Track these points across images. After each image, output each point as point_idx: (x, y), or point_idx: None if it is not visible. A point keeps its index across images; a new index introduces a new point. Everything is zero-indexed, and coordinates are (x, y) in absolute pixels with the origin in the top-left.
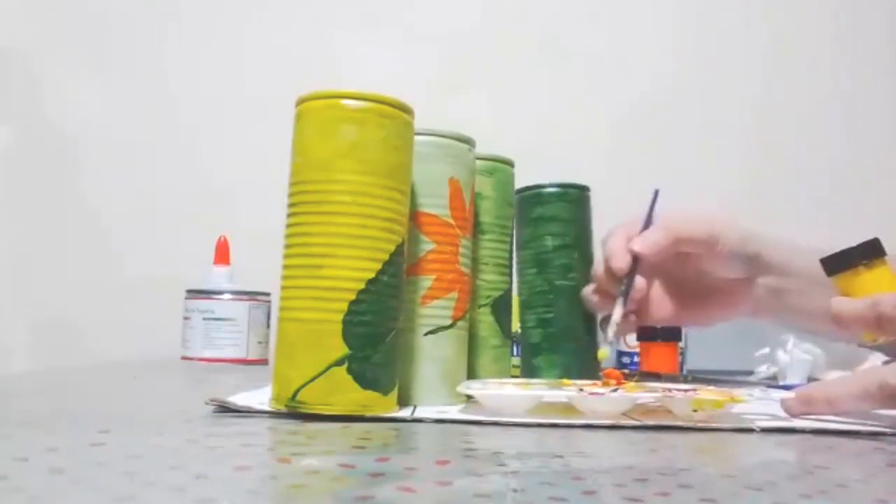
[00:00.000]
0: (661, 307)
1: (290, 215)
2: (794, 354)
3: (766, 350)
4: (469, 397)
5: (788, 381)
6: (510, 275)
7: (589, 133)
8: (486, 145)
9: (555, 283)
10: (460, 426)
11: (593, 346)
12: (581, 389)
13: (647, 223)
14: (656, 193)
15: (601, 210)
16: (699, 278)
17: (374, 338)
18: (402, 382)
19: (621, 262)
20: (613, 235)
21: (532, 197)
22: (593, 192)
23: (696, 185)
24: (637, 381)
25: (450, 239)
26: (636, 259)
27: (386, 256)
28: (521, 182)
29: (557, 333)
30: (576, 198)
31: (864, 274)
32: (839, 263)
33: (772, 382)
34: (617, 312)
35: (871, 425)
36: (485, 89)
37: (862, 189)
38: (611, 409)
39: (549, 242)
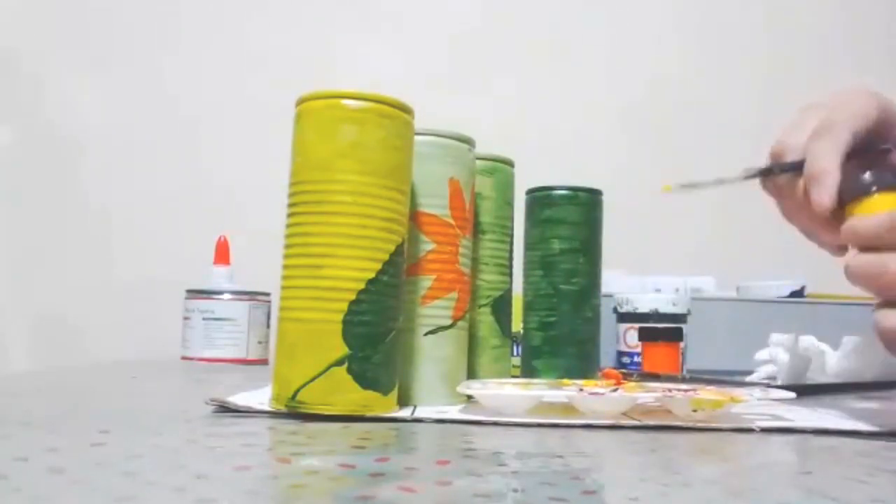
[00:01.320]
0: None
1: (290, 215)
2: (794, 354)
3: (766, 350)
4: (469, 397)
5: (788, 381)
6: (510, 275)
7: (589, 133)
8: (486, 145)
9: (559, 287)
10: (460, 426)
11: (594, 352)
12: (581, 389)
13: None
14: None
15: (603, 211)
16: None
17: (374, 338)
18: (402, 382)
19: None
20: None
21: (542, 198)
22: None
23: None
24: (636, 380)
25: (450, 239)
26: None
27: (386, 256)
28: (520, 182)
29: (558, 337)
30: (586, 201)
31: (878, 198)
32: (853, 189)
33: (772, 382)
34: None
35: (872, 425)
36: (485, 89)
37: None
38: (611, 409)
39: (556, 246)
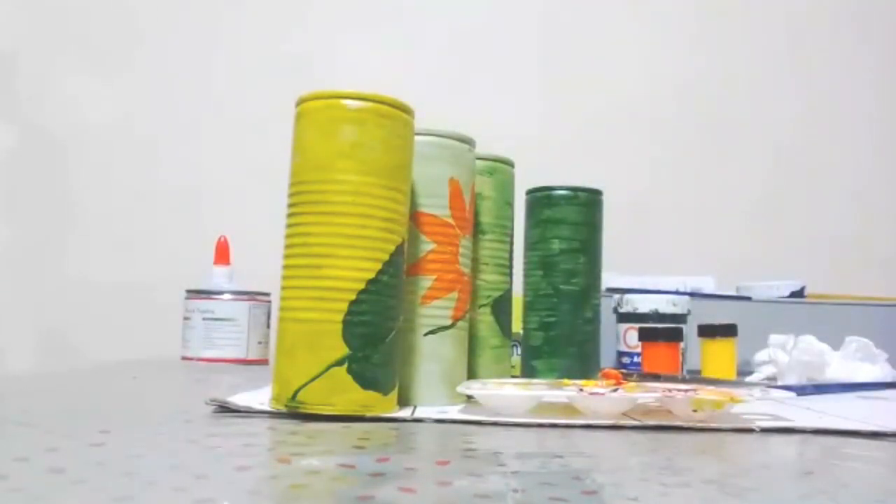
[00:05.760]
0: None
1: (290, 215)
2: (794, 355)
3: (766, 350)
4: (469, 397)
5: (788, 382)
6: (510, 275)
7: (590, 133)
8: (486, 145)
9: (559, 287)
10: (460, 426)
11: (594, 352)
12: (581, 389)
13: None
14: None
15: (603, 210)
16: None
17: (374, 338)
18: (402, 382)
19: None
20: None
21: (542, 198)
22: None
23: (700, 186)
24: (636, 380)
25: (450, 239)
26: None
27: (386, 256)
28: (521, 182)
29: (558, 337)
30: (586, 201)
31: None
32: None
33: (772, 382)
34: None
35: (872, 425)
36: (485, 89)
37: (886, 187)
38: (611, 409)
39: (556, 246)
